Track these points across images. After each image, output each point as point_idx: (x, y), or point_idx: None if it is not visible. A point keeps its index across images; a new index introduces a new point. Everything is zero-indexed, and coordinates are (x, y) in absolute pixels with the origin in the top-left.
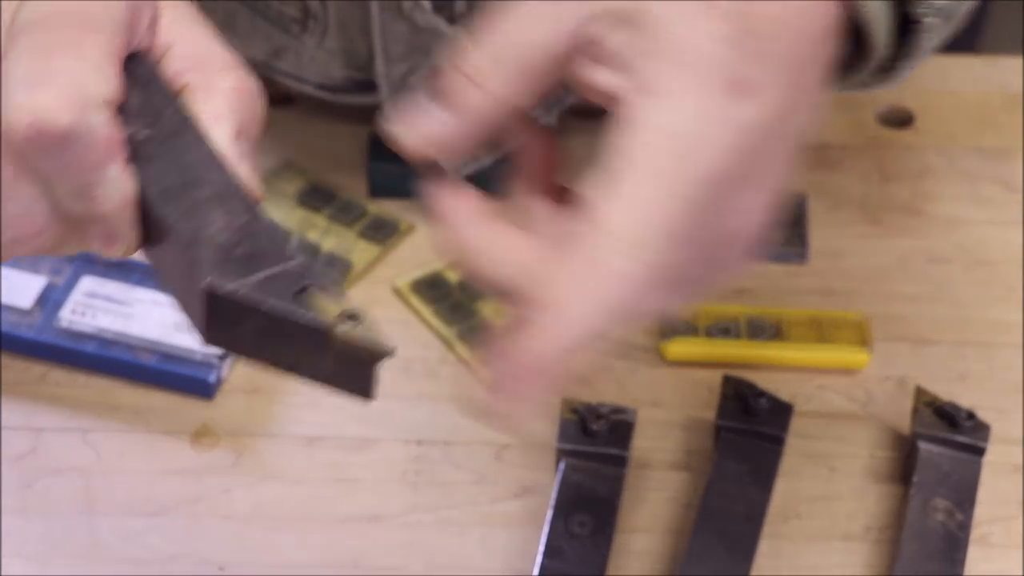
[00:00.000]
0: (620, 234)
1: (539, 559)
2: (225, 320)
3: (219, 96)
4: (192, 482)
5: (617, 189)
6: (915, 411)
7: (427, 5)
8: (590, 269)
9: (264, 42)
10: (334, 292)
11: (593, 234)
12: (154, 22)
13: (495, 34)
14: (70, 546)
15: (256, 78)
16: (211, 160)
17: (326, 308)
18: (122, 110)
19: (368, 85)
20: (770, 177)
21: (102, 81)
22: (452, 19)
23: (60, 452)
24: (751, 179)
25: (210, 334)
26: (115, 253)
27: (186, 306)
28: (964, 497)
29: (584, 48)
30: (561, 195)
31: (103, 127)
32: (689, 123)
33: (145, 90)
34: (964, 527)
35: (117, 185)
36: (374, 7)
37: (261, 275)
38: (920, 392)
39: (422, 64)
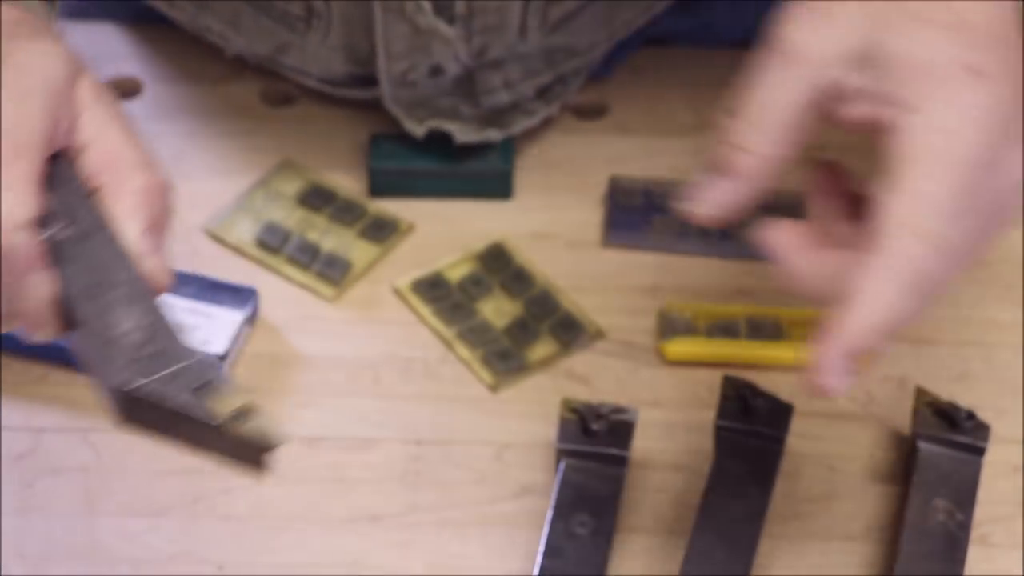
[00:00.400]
0: (911, 224)
1: (539, 559)
2: (135, 412)
3: (128, 196)
4: (192, 482)
5: (901, 187)
6: (915, 411)
7: (428, 7)
8: (889, 260)
9: (268, 38)
10: (231, 388)
11: (887, 229)
12: (72, 124)
13: (748, 104)
14: (70, 546)
15: (261, 69)
16: (120, 259)
17: (223, 404)
18: (44, 214)
19: (369, 80)
20: (1019, 137)
21: (25, 206)
22: (452, 20)
23: (60, 452)
24: (1007, 144)
25: (123, 422)
26: (39, 339)
27: (101, 394)
28: (964, 497)
29: (829, 93)
30: (855, 207)
31: (25, 244)
32: (946, 118)
33: (63, 190)
34: (964, 527)
35: (38, 289)
36: (377, 8)
37: (165, 372)
38: (920, 392)
39: (422, 62)
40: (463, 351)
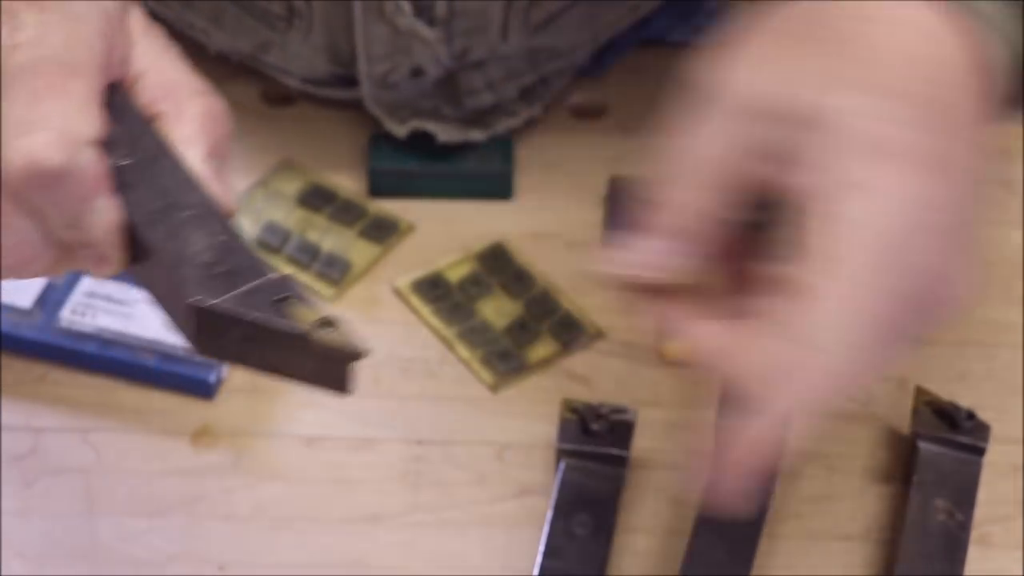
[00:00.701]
0: (829, 330)
1: (539, 559)
2: (212, 332)
3: (189, 121)
4: (192, 482)
5: (825, 285)
6: (915, 411)
7: (407, 8)
8: (800, 365)
9: (250, 36)
10: (310, 302)
11: (802, 326)
12: (127, 53)
13: (679, 157)
14: (70, 546)
15: (243, 68)
16: (187, 182)
17: (303, 316)
18: (105, 141)
19: (351, 80)
20: (969, 235)
21: (88, 122)
22: (432, 22)
23: (60, 452)
24: (954, 246)
25: (200, 345)
26: (105, 274)
27: (175, 320)
28: (964, 497)
29: (764, 153)
30: (743, 276)
31: (91, 164)
32: (895, 216)
33: (123, 120)
34: (964, 527)
35: (104, 214)
36: (357, 8)
37: (242, 289)
38: (920, 392)
39: (402, 63)
40: (463, 351)
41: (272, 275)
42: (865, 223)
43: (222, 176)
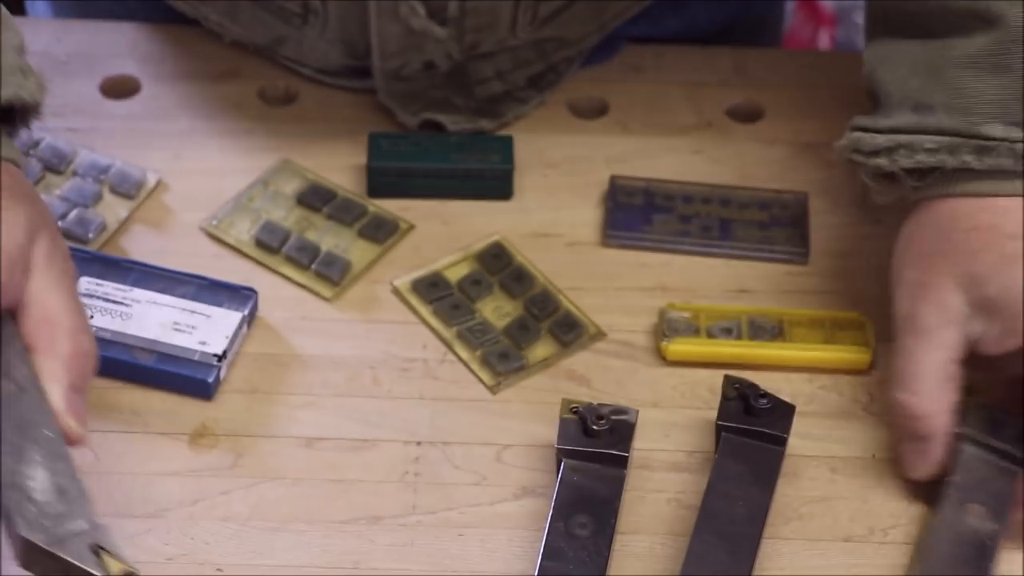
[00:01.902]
0: None
1: (539, 560)
2: (36, 556)
3: (56, 358)
4: (191, 483)
5: None
6: (964, 411)
7: (421, 9)
8: None
9: (266, 31)
10: (121, 557)
11: None
12: (22, 282)
13: (905, 379)
14: None
15: (260, 54)
16: (45, 418)
17: (111, 565)
18: None
19: (365, 71)
20: None
21: None
22: (444, 22)
23: None
24: None
25: (25, 563)
26: None
27: (9, 535)
28: (999, 505)
29: (963, 345)
30: None
31: None
32: None
33: (6, 346)
34: (994, 537)
35: None
36: (372, 8)
37: (65, 531)
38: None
39: (415, 59)
40: (463, 351)
41: (96, 522)
42: None
43: (79, 411)
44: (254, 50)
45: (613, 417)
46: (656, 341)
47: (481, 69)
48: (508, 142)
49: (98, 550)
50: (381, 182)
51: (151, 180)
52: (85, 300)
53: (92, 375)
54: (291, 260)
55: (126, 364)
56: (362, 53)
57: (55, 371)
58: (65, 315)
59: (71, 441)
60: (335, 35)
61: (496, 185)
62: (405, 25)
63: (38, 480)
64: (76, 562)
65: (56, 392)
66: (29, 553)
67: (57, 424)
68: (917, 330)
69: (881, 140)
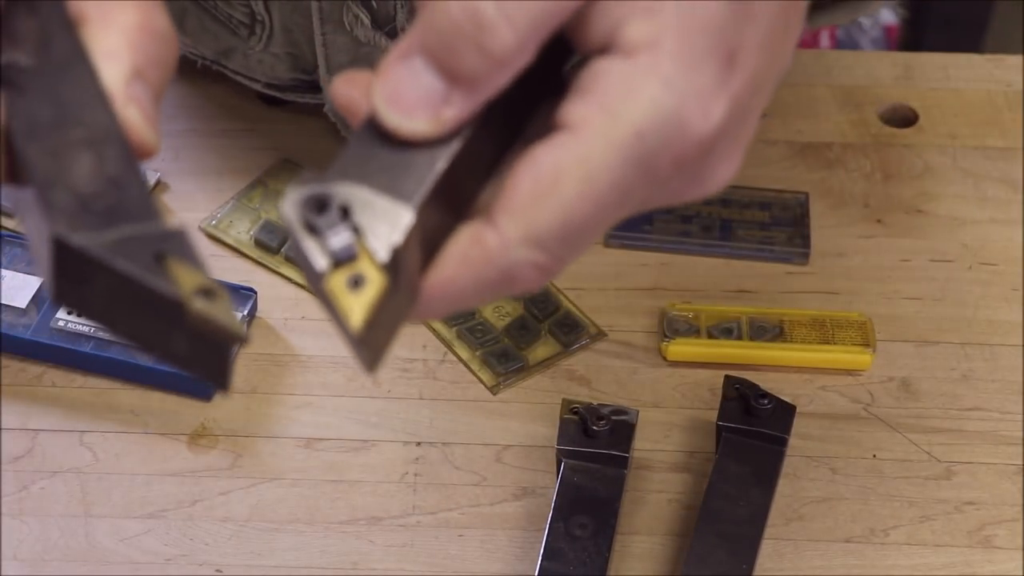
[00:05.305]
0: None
1: (539, 560)
2: (74, 277)
3: (116, 31)
4: (190, 484)
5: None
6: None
7: (366, 18)
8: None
9: (213, 41)
10: (199, 265)
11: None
12: None
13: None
14: (67, 548)
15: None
16: (95, 100)
17: (186, 280)
18: (9, 35)
19: (316, 86)
20: (745, 137)
21: None
22: (394, 34)
23: (57, 453)
24: (732, 143)
25: (58, 291)
26: None
27: (38, 256)
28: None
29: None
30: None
31: None
32: (679, 98)
33: (39, 15)
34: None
35: None
36: (315, 17)
37: (118, 232)
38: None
39: None
40: (463, 351)
41: (160, 223)
42: (650, 99)
43: (146, 105)
44: (202, 66)
45: (613, 417)
46: (656, 341)
47: None
48: None
49: (163, 258)
50: None
51: (150, 180)
52: None
53: (169, 66)
54: (291, 260)
55: (125, 364)
56: (310, 67)
57: (114, 47)
58: None
59: (136, 146)
60: (281, 47)
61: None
62: (351, 36)
63: (79, 168)
64: (131, 274)
65: (115, 73)
66: (64, 269)
67: (116, 112)
68: None
69: None
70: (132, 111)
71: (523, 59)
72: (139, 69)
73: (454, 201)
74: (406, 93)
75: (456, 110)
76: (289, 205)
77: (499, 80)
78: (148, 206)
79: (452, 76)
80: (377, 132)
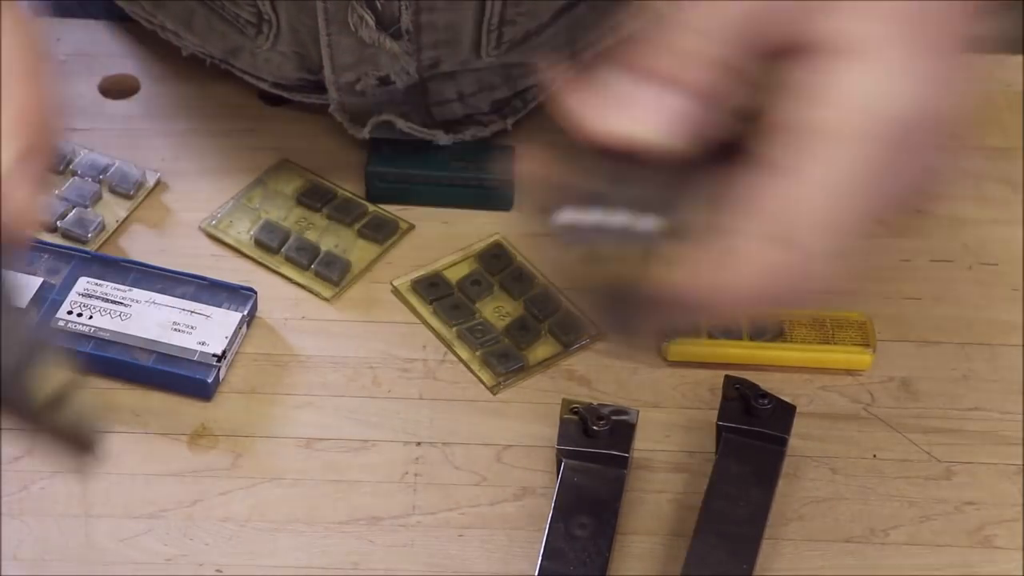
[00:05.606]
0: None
1: (539, 560)
2: None
3: (6, 111)
4: (190, 484)
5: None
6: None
7: (370, 19)
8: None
9: (220, 41)
10: (62, 363)
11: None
12: None
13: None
14: (67, 548)
15: (215, 69)
16: None
17: (46, 375)
18: None
19: (322, 86)
20: (950, 130)
21: None
22: (398, 35)
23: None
24: (941, 138)
25: None
26: None
27: None
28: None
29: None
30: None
31: None
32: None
33: None
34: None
35: None
36: (320, 18)
37: None
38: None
39: (370, 73)
40: (463, 351)
41: (31, 319)
42: (864, 95)
43: (32, 184)
44: (210, 64)
45: (613, 418)
46: (657, 341)
47: (442, 89)
48: (508, 153)
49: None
50: (380, 187)
51: (150, 180)
52: (84, 300)
53: (56, 138)
54: (291, 260)
55: (125, 364)
56: (316, 67)
57: (6, 124)
58: (17, 57)
59: (18, 225)
60: (288, 47)
61: (496, 196)
62: (356, 37)
63: None
64: None
65: (7, 152)
66: None
67: None
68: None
69: None
70: (16, 196)
71: None
72: (26, 149)
73: None
74: None
75: None
76: None
77: None
78: (10, 304)
79: None
80: None
